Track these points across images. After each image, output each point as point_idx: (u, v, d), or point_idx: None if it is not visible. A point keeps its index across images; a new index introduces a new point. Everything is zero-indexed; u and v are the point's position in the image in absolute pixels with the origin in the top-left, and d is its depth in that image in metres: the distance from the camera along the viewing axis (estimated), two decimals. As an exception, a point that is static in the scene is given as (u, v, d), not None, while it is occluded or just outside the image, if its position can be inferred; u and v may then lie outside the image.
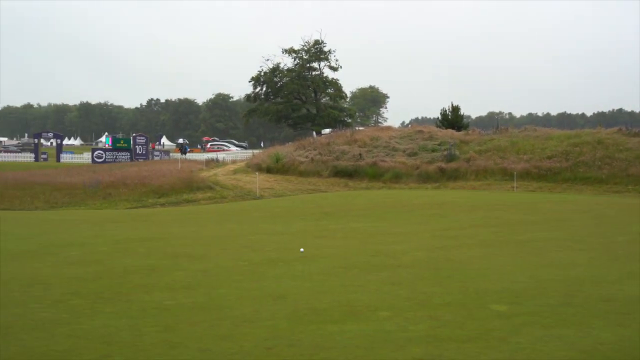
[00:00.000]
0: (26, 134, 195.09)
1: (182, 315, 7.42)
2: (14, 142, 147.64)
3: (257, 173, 38.46)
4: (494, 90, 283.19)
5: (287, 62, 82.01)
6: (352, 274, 10.00)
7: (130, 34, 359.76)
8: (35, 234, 16.38)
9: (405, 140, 43.12)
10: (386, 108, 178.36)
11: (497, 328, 6.66)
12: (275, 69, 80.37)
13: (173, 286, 9.19)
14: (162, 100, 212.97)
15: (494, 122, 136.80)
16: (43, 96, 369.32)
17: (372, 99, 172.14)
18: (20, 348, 6.17)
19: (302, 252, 11.82)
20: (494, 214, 19.39)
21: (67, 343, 6.33)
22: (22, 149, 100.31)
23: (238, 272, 10.32)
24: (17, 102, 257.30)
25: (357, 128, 64.59)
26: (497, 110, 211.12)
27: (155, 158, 71.56)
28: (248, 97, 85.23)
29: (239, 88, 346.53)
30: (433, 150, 40.31)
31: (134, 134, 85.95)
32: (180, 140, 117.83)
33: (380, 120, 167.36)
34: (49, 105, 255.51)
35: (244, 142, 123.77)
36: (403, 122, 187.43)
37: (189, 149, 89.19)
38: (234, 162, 52.68)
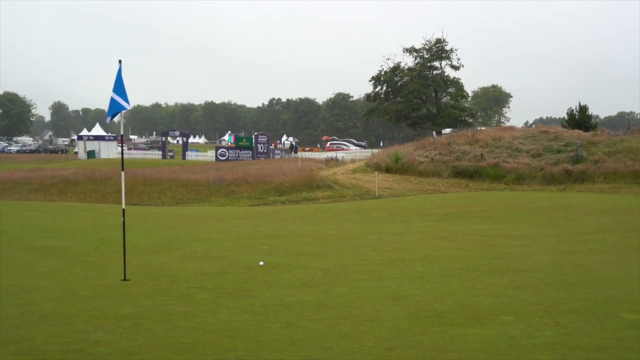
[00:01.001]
0: (154, 132, 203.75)
1: (303, 312, 7.48)
2: (143, 140, 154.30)
3: (376, 172, 38.43)
4: (624, 89, 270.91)
5: (408, 61, 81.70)
6: (473, 276, 9.79)
7: (252, 37, 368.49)
8: (162, 228, 17.00)
9: (529, 141, 41.88)
10: (509, 107, 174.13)
11: (629, 337, 6.33)
12: (396, 68, 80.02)
13: (294, 283, 9.29)
14: (283, 100, 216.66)
15: (625, 122, 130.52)
16: (170, 96, 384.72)
17: (494, 98, 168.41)
18: (149, 339, 6.40)
19: (261, 265, 10.78)
20: (624, 218, 18.49)
21: (193, 335, 6.51)
22: (150, 146, 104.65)
23: (358, 271, 10.32)
24: (147, 102, 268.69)
25: (478, 128, 63.40)
26: (627, 110, 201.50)
27: (276, 156, 72.86)
28: (368, 96, 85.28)
29: (359, 87, 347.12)
30: (558, 151, 38.92)
31: (255, 133, 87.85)
32: (290, 139, 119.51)
33: (502, 120, 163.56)
34: (176, 104, 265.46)
35: (363, 141, 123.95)
36: (526, 122, 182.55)
37: (299, 148, 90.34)
38: (353, 161, 52.91)
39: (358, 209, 25.39)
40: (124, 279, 9.52)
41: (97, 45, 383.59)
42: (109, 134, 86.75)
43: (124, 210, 10.39)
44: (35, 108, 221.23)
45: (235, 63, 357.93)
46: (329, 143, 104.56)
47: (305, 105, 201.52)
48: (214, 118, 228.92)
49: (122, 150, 10.73)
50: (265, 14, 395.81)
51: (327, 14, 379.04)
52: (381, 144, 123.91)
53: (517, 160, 38.32)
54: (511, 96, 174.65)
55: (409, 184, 37.36)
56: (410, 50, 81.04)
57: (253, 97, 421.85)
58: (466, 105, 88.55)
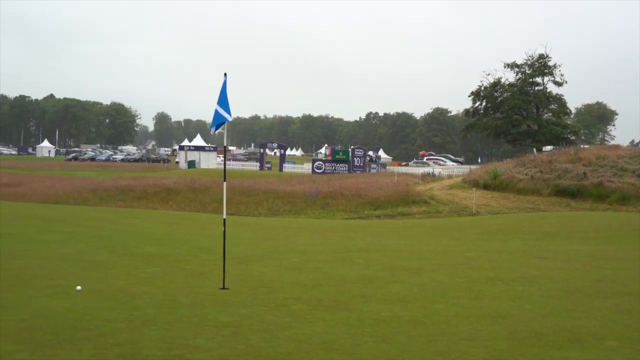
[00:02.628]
0: (252, 144, 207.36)
1: (399, 328, 7.42)
2: (242, 151, 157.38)
3: (473, 189, 37.83)
4: None
5: (509, 76, 79.86)
6: (575, 298, 9.46)
7: (350, 51, 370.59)
8: (259, 239, 17.25)
9: (636, 160, 40.26)
10: (614, 125, 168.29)
11: None
12: (496, 84, 78.57)
13: (390, 298, 9.23)
14: (381, 114, 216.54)
15: None
16: (269, 109, 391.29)
17: (598, 116, 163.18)
18: (247, 347, 6.49)
19: (79, 290, 9.42)
20: None
21: (290, 346, 6.56)
22: (248, 157, 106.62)
23: (455, 288, 10.15)
24: (246, 114, 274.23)
25: (581, 146, 61.44)
26: None
27: (372, 170, 72.79)
28: (467, 111, 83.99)
29: (458, 103, 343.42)
30: (667, 172, 37.25)
31: (352, 147, 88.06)
32: (370, 153, 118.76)
33: (607, 139, 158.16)
34: (274, 117, 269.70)
35: (460, 157, 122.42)
36: (632, 141, 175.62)
37: (379, 162, 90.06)
38: (450, 177, 52.29)
39: (455, 225, 25.04)
40: (223, 288, 9.70)
41: (199, 58, 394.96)
42: (209, 145, 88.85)
43: (224, 220, 10.60)
44: (139, 118, 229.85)
45: (333, 77, 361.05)
46: (425, 158, 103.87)
47: (402, 120, 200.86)
48: (311, 131, 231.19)
49: (225, 161, 10.96)
50: (363, 27, 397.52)
51: (424, 27, 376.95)
52: (479, 160, 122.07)
53: (622, 180, 36.89)
54: (616, 114, 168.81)
55: (508, 201, 36.56)
56: (512, 66, 79.41)
57: (350, 111, 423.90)
58: (568, 123, 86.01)
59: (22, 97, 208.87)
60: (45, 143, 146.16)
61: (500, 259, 14.06)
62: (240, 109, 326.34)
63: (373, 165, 77.80)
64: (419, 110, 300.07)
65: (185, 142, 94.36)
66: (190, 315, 7.85)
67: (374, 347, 6.61)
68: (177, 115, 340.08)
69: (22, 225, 18.25)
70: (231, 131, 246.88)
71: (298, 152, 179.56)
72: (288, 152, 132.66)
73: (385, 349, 6.54)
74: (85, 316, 7.70)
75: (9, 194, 37.32)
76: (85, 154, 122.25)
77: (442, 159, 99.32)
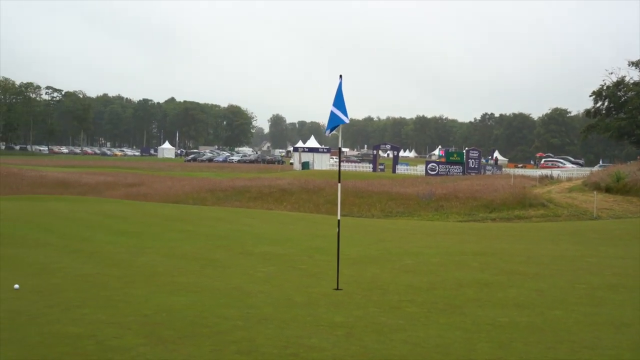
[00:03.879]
0: (365, 146, 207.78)
1: (516, 334, 7.23)
2: (355, 152, 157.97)
3: (594, 192, 36.39)
4: None
5: (634, 75, 76.44)
6: None
7: (463, 53, 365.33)
8: (373, 240, 17.24)
9: None
10: None
11: None
12: (620, 83, 75.33)
13: (506, 303, 9.00)
14: (496, 115, 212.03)
15: None
16: (383, 110, 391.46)
17: None
18: (361, 349, 6.50)
19: (16, 288, 9.15)
20: None
21: (404, 349, 6.51)
22: (361, 159, 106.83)
23: (575, 294, 9.79)
24: (359, 115, 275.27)
25: None
26: None
27: (487, 172, 71.40)
28: (587, 112, 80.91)
29: (578, 103, 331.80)
30: None
31: (466, 148, 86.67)
32: (494, 155, 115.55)
33: None
34: (388, 118, 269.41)
35: (580, 159, 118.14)
36: None
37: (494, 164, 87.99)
38: (569, 179, 50.60)
39: (574, 230, 24.16)
40: (337, 288, 9.75)
41: (314, 60, 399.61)
42: (323, 146, 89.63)
43: (339, 221, 10.66)
44: (255, 120, 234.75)
45: (447, 77, 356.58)
46: (543, 160, 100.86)
47: (519, 121, 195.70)
48: (425, 132, 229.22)
49: (340, 162, 11.02)
50: (474, 27, 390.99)
51: (537, 26, 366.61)
52: (600, 162, 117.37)
53: None
54: None
55: (631, 205, 34.94)
56: (637, 64, 76.00)
57: (465, 112, 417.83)
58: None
59: (145, 101, 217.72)
60: (166, 145, 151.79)
61: (623, 265, 13.44)
62: (353, 111, 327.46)
63: (488, 167, 76.27)
64: (537, 110, 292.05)
65: (300, 144, 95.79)
66: (305, 315, 7.94)
67: (490, 352, 6.46)
68: (291, 117, 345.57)
69: (145, 223, 19.03)
70: (344, 133, 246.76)
71: (411, 154, 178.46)
72: (401, 153, 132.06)
73: (501, 355, 6.39)
74: (204, 313, 7.93)
75: (133, 194, 38.98)
76: (204, 155, 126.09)
77: (561, 161, 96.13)
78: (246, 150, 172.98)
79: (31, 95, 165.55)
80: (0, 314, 7.62)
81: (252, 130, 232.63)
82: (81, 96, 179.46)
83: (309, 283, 10.31)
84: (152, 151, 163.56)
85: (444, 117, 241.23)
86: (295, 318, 7.77)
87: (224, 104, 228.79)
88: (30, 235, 15.56)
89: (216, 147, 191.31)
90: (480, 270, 11.97)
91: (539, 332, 7.38)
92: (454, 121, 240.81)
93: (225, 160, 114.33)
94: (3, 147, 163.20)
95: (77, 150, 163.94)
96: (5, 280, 9.99)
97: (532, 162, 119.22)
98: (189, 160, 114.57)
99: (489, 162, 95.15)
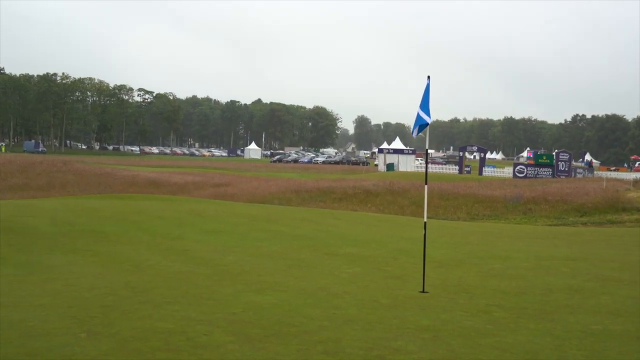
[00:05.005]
0: (451, 147, 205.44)
1: (610, 343, 7.00)
2: (440, 154, 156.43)
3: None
4: None
5: None
6: None
7: (553, 53, 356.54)
8: (459, 243, 17.02)
9: None
10: None
11: None
12: None
13: (599, 310, 8.73)
14: (588, 116, 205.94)
15: None
16: (469, 111, 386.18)
17: None
18: (448, 352, 6.44)
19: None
20: None
21: (492, 354, 6.41)
22: (447, 161, 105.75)
23: (673, 303, 9.40)
24: (445, 116, 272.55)
25: None
26: None
27: (578, 175, 69.43)
28: (685, 113, 77.68)
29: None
30: None
31: (556, 150, 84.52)
32: (586, 159, 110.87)
33: None
34: (474, 120, 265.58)
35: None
36: None
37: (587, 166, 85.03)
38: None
39: (671, 235, 23.20)
40: (423, 291, 9.68)
41: (401, 61, 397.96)
42: (408, 148, 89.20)
43: (425, 223, 10.58)
44: (340, 122, 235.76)
45: (537, 78, 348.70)
46: (638, 163, 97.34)
47: (612, 122, 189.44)
48: (513, 134, 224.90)
49: (427, 164, 10.94)
50: (567, 26, 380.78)
51: (636, 24, 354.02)
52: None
53: None
54: None
55: None
56: None
57: (555, 113, 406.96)
58: None
59: (232, 102, 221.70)
60: (253, 145, 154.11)
61: None
62: (439, 112, 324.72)
63: (579, 170, 74.13)
64: (631, 112, 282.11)
65: (385, 145, 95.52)
66: (390, 317, 7.92)
67: (583, 361, 6.29)
68: (376, 118, 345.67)
69: (232, 223, 19.36)
70: (430, 134, 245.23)
71: (498, 156, 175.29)
72: (488, 155, 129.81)
73: (595, 363, 6.21)
74: (290, 312, 8.01)
75: (220, 194, 39.76)
76: (289, 156, 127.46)
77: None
78: (331, 151, 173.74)
79: (124, 97, 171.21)
80: (95, 309, 7.90)
81: (337, 131, 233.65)
82: (171, 98, 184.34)
83: (395, 285, 10.27)
84: (238, 152, 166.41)
85: (532, 119, 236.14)
86: (381, 320, 7.76)
87: (309, 105, 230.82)
88: (124, 233, 16.07)
89: (301, 148, 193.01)
90: (571, 276, 11.64)
91: (634, 341, 7.13)
92: (543, 122, 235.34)
93: (310, 161, 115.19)
94: (97, 147, 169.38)
95: (167, 150, 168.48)
96: (100, 277, 10.36)
97: (625, 165, 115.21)
98: (274, 161, 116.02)
99: (584, 164, 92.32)
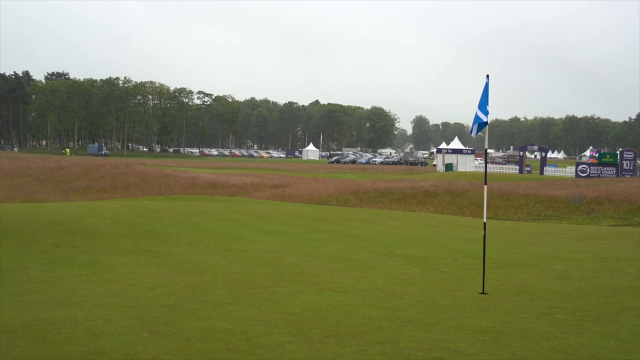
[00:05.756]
0: (511, 147, 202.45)
1: (678, 347, 6.79)
2: (500, 154, 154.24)
3: None
4: None
5: None
6: None
7: (616, 49, 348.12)
8: (519, 244, 16.75)
9: None
10: None
11: None
12: None
13: (666, 313, 8.49)
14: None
15: None
16: (530, 110, 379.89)
17: None
18: (509, 355, 6.35)
19: None
20: None
21: (555, 357, 6.30)
22: (507, 160, 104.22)
23: None
24: (505, 115, 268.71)
25: None
26: None
27: (643, 174, 67.57)
28: None
29: None
30: None
31: (620, 149, 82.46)
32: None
33: None
34: (535, 118, 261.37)
35: None
36: None
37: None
38: None
39: None
40: (483, 292, 9.56)
41: (459, 61, 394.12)
42: (467, 148, 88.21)
43: (484, 223, 10.45)
44: (398, 122, 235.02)
45: (599, 76, 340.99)
46: None
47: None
48: (575, 133, 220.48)
49: (486, 164, 10.81)
50: (630, 24, 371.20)
51: None
52: None
53: None
54: None
55: None
56: None
57: (619, 111, 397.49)
58: None
59: (290, 104, 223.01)
60: (310, 147, 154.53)
61: None
62: (498, 111, 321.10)
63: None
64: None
65: (443, 145, 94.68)
66: (450, 319, 7.84)
67: (649, 365, 6.12)
68: (435, 118, 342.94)
69: (291, 223, 19.46)
70: (489, 133, 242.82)
71: (560, 155, 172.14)
72: (549, 154, 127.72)
73: (662, 368, 6.04)
74: (349, 313, 8.01)
75: (278, 194, 39.98)
76: (347, 156, 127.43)
77: None
78: (389, 151, 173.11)
79: (184, 100, 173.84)
80: (156, 309, 8.04)
81: (394, 131, 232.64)
82: (230, 100, 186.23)
83: (454, 286, 10.17)
84: (296, 153, 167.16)
85: (595, 117, 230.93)
86: (440, 321, 7.69)
87: (367, 106, 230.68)
88: (184, 234, 16.30)
89: (359, 148, 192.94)
90: (637, 277, 11.35)
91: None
92: (606, 121, 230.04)
93: (368, 162, 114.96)
94: (158, 149, 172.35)
95: (226, 152, 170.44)
96: (161, 277, 10.53)
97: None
98: (332, 162, 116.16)
99: None
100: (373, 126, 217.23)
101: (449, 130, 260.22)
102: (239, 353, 6.24)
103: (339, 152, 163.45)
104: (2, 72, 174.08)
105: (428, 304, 8.71)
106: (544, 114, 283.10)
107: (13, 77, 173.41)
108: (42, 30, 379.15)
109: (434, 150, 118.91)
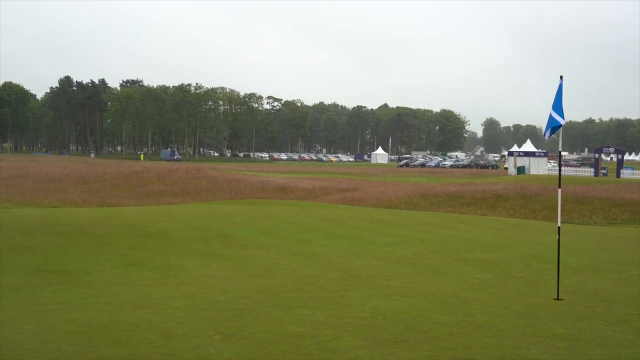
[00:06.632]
0: (586, 149, 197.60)
1: None
2: (574, 156, 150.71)
3: None
4: None
5: None
6: None
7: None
8: (595, 249, 16.32)
9: None
10: None
11: None
12: None
13: None
14: None
15: None
16: (605, 111, 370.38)
17: None
18: (585, 363, 6.17)
19: None
20: None
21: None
22: (581, 163, 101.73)
23: None
24: (579, 117, 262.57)
25: None
26: None
27: None
28: None
29: None
30: None
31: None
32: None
33: None
34: (611, 120, 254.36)
35: None
36: None
37: None
38: None
39: None
40: (557, 298, 9.34)
41: (531, 61, 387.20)
42: (539, 150, 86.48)
43: (559, 227, 10.21)
44: (468, 124, 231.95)
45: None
46: None
47: None
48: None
49: (560, 167, 10.58)
50: None
51: None
52: None
53: None
54: None
55: None
56: None
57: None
58: None
59: (358, 108, 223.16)
60: (379, 150, 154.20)
61: None
62: (572, 112, 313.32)
63: None
64: None
65: (514, 148, 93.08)
66: (523, 325, 7.68)
67: None
68: (506, 120, 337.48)
69: (360, 227, 19.43)
70: (563, 135, 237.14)
71: (638, 157, 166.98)
72: (626, 157, 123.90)
73: None
74: (419, 318, 7.93)
75: (347, 198, 39.99)
76: (416, 160, 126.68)
77: None
78: (459, 155, 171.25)
79: (254, 105, 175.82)
80: (228, 312, 8.13)
81: (464, 134, 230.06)
82: (299, 105, 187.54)
83: (527, 292, 9.96)
84: (365, 157, 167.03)
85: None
86: (513, 327, 7.54)
87: (436, 108, 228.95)
88: (254, 237, 16.46)
89: (428, 152, 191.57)
90: None
91: None
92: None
93: (437, 165, 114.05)
94: (229, 154, 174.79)
95: (295, 156, 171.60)
96: (232, 280, 10.66)
97: None
98: (401, 166, 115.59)
99: None
100: (442, 129, 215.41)
101: (521, 133, 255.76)
102: (309, 357, 6.25)
103: (408, 155, 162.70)
104: (79, 80, 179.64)
105: (500, 310, 8.56)
106: (620, 114, 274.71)
107: (90, 85, 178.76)
108: (117, 39, 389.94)
109: (505, 153, 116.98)
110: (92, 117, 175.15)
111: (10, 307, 8.73)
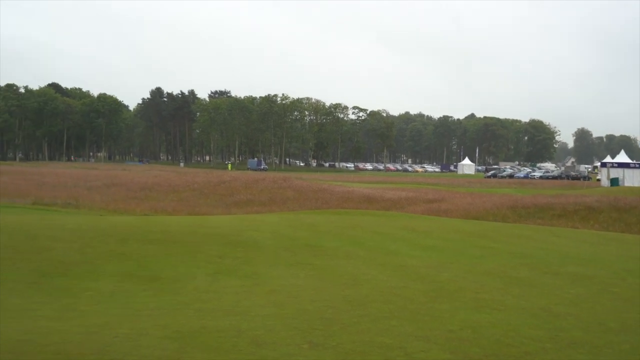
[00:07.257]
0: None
1: None
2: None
3: None
4: None
5: None
6: None
7: None
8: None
9: None
10: None
11: None
12: None
13: None
14: None
15: None
16: None
17: None
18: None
19: None
20: None
21: None
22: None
23: None
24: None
25: None
26: None
27: None
28: None
29: None
30: None
31: None
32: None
33: None
34: None
35: None
36: None
37: None
38: None
39: None
40: (655, 315, 8.98)
41: (622, 69, 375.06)
42: (635, 161, 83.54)
43: (657, 242, 9.82)
44: (559, 135, 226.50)
45: None
46: None
47: None
48: None
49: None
50: None
51: None
52: None
53: None
54: None
55: None
56: None
57: None
58: None
59: (445, 118, 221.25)
60: (466, 161, 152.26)
61: None
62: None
63: None
64: None
65: (608, 159, 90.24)
66: (620, 342, 7.42)
67: None
68: (598, 130, 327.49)
69: (447, 239, 19.19)
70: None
71: None
72: None
73: None
74: (510, 332, 7.76)
75: (434, 209, 39.62)
76: (504, 171, 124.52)
77: None
78: (549, 165, 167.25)
79: (339, 115, 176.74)
80: (316, 321, 8.16)
81: (554, 145, 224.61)
82: (384, 115, 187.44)
83: (624, 307, 9.61)
84: (452, 167, 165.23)
85: None
86: (610, 344, 7.29)
87: (525, 118, 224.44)
88: (340, 247, 16.47)
89: (517, 163, 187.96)
90: None
91: None
92: None
93: (526, 177, 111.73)
94: (314, 164, 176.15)
95: (380, 166, 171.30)
96: (319, 290, 10.70)
97: None
98: (488, 177, 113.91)
99: None
100: (531, 139, 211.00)
101: (614, 143, 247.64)
102: (398, 369, 6.21)
103: (495, 166, 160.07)
104: (169, 91, 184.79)
105: (595, 326, 8.28)
106: None
107: (180, 95, 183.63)
108: (206, 51, 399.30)
109: (598, 164, 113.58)
110: (181, 127, 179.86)
111: (107, 311, 9.02)
